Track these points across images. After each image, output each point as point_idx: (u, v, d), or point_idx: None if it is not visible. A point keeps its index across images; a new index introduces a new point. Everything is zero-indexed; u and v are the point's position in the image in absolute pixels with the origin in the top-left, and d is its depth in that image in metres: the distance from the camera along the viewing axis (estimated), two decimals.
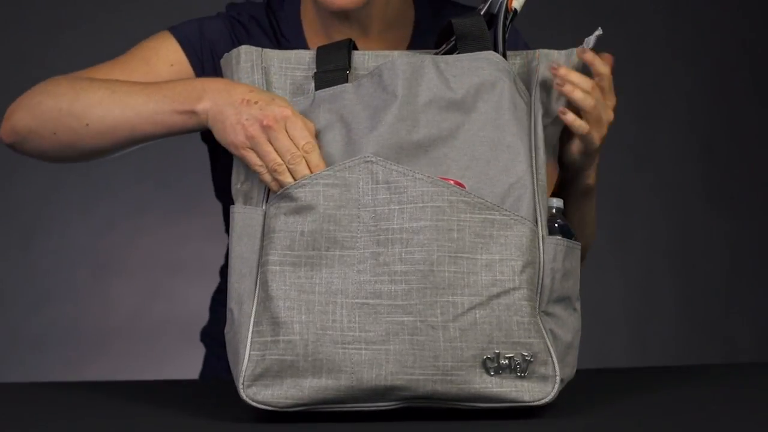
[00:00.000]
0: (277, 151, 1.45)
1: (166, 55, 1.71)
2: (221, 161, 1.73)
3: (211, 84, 1.51)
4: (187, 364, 1.92)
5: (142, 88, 1.55)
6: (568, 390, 1.47)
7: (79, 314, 3.72)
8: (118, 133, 1.55)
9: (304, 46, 1.75)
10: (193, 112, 1.50)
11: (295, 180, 1.44)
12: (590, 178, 1.61)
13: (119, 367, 3.61)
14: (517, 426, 1.39)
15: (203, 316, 1.96)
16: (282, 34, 1.75)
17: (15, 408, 1.56)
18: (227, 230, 1.88)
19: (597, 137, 1.53)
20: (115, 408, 1.54)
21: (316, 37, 1.75)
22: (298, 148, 1.44)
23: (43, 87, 1.62)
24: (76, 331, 3.71)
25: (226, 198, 1.82)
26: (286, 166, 1.44)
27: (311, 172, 1.44)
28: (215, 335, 1.89)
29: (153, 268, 3.74)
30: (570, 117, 1.50)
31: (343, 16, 1.71)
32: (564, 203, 1.52)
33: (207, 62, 1.72)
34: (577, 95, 1.50)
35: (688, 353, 3.95)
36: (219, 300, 1.92)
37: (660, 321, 4.00)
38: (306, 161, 1.44)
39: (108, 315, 3.74)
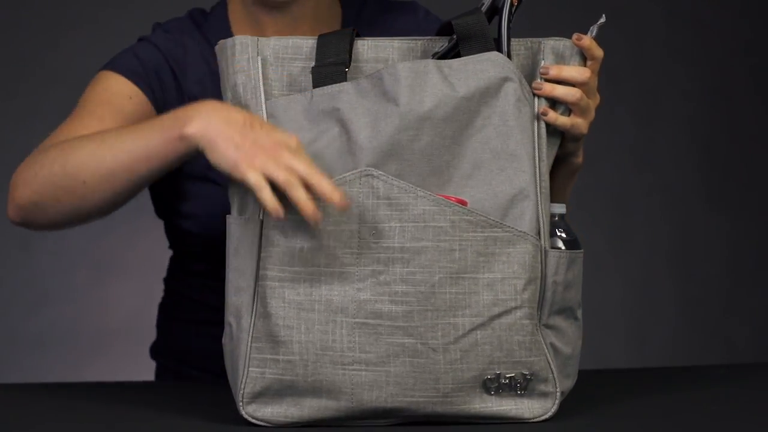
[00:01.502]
0: (292, 165, 1.37)
1: (120, 90, 1.68)
2: (164, 181, 1.69)
3: (203, 105, 1.45)
4: None
5: (131, 128, 1.51)
6: None
7: (79, 315, 3.72)
8: (116, 181, 1.50)
9: None
10: (181, 137, 1.43)
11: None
12: (579, 158, 1.58)
13: (119, 367, 3.61)
14: (517, 428, 1.39)
15: None
16: (211, 45, 1.73)
17: (14, 409, 1.56)
18: (171, 246, 1.86)
19: (584, 126, 1.50)
20: (115, 409, 1.54)
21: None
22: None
23: (34, 159, 1.58)
24: (75, 332, 3.71)
25: (166, 217, 1.81)
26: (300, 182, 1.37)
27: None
28: (167, 351, 1.88)
29: (152, 269, 3.73)
30: (552, 117, 1.46)
31: (278, 9, 1.71)
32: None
33: (155, 86, 1.70)
34: (559, 92, 1.46)
35: (687, 354, 3.95)
36: (166, 314, 1.90)
37: (659, 322, 4.00)
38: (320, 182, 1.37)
39: (107, 316, 3.73)
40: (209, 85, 1.72)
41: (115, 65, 1.71)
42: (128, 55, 1.72)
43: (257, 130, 1.40)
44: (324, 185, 1.37)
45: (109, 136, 1.52)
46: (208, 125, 1.42)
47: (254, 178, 1.37)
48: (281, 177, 1.37)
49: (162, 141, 1.45)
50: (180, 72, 1.72)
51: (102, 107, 1.67)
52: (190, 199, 1.75)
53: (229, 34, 1.74)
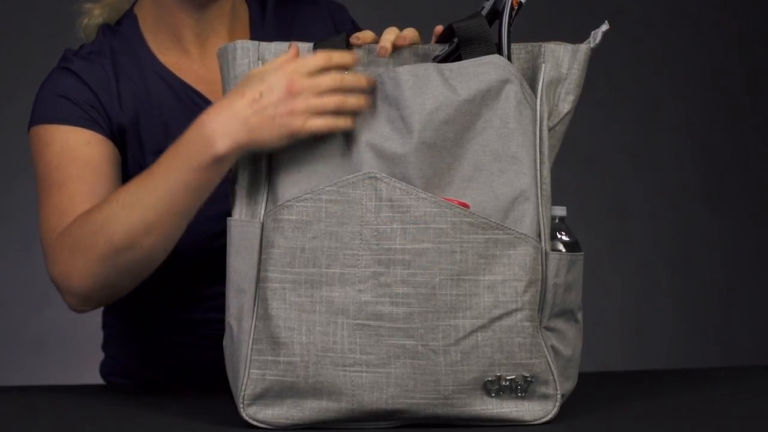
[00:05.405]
0: (322, 87, 1.41)
1: (76, 141, 1.64)
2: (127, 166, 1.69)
3: (209, 118, 1.43)
4: None
5: (151, 175, 1.47)
6: None
7: (79, 317, 3.71)
8: (168, 227, 1.49)
9: (152, 61, 1.73)
10: (217, 160, 1.43)
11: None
12: None
13: None
14: (518, 430, 1.40)
15: None
16: (119, 63, 1.71)
17: (14, 411, 1.56)
18: None
19: None
20: (115, 410, 1.54)
21: (168, 49, 1.74)
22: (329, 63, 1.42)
23: (64, 248, 1.55)
24: (75, 334, 3.70)
25: None
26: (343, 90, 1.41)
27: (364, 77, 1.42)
28: (118, 371, 1.88)
29: None
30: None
31: (202, 7, 1.70)
32: None
33: (99, 119, 1.67)
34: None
35: (686, 356, 3.95)
36: (110, 334, 1.89)
37: (659, 324, 4.00)
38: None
39: None
40: (136, 108, 1.70)
41: (48, 116, 1.66)
42: (55, 100, 1.67)
43: (265, 93, 1.41)
44: (351, 82, 1.42)
45: (134, 194, 1.49)
46: (233, 135, 1.41)
47: (317, 126, 1.42)
48: (328, 105, 1.41)
49: (197, 173, 1.44)
50: (107, 100, 1.69)
51: (73, 167, 1.62)
52: None
53: (145, 48, 1.73)
